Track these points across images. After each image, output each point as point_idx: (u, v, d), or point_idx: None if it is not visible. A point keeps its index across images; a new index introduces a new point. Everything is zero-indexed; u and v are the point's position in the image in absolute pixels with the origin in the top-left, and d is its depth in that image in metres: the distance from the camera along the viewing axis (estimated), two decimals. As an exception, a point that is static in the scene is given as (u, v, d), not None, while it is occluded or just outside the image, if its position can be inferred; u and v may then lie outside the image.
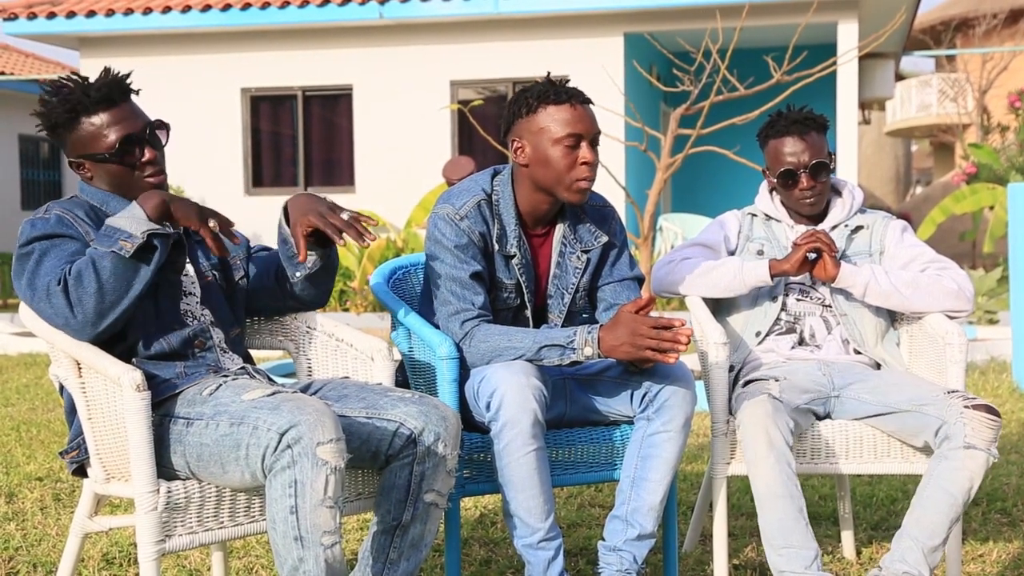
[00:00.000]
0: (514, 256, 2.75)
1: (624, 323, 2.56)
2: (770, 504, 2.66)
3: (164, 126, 2.46)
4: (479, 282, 2.70)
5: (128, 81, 2.42)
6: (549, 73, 2.78)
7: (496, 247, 2.74)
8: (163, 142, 2.46)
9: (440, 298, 2.71)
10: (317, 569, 2.17)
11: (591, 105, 2.71)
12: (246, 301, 2.70)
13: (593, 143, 2.69)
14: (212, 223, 2.34)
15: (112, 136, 2.38)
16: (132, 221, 2.27)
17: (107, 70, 2.42)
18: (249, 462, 2.19)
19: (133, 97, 2.44)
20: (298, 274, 2.60)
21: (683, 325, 2.52)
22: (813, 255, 3.00)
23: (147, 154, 2.42)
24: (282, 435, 2.14)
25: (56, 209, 2.38)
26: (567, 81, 2.74)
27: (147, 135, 2.43)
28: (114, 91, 2.39)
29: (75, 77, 2.41)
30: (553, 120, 2.66)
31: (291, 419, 2.15)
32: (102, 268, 2.23)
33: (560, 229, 2.81)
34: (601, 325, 2.60)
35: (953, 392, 2.73)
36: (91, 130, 2.39)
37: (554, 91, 2.68)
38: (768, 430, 2.66)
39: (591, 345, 2.58)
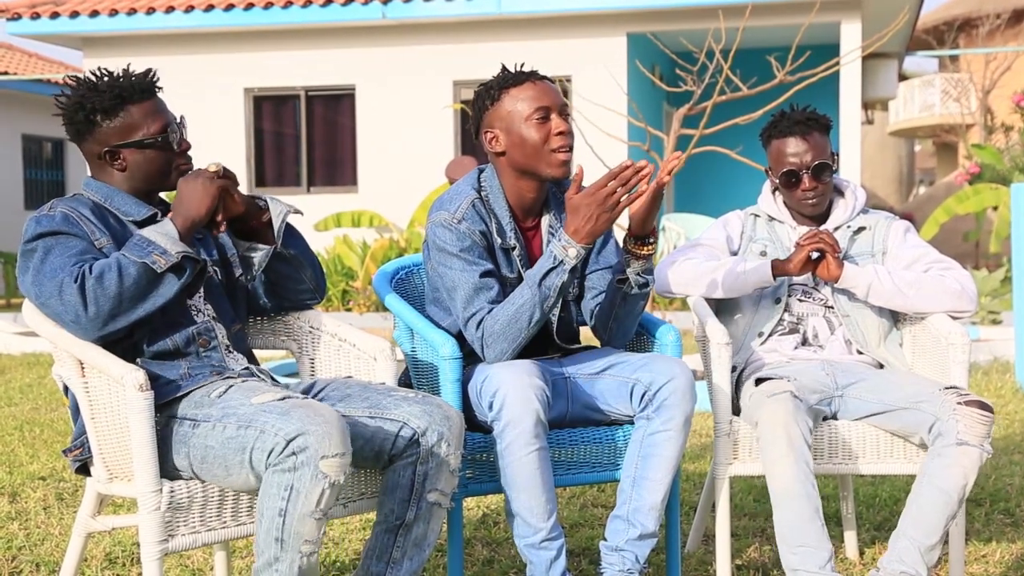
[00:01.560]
0: (514, 247, 2.76)
1: (577, 203, 2.58)
2: (787, 503, 2.65)
3: (184, 123, 2.55)
4: (491, 278, 2.70)
5: (157, 79, 2.51)
6: (503, 65, 2.81)
7: (498, 241, 2.75)
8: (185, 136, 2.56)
9: (455, 307, 2.70)
10: (289, 573, 2.18)
11: (551, 81, 2.77)
12: (248, 300, 2.71)
13: (562, 114, 2.73)
14: (218, 182, 2.42)
15: (157, 123, 2.47)
16: (165, 238, 2.32)
17: (128, 68, 2.52)
18: (253, 465, 2.19)
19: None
20: (255, 263, 2.62)
21: (628, 167, 2.54)
22: (816, 255, 3.00)
23: (184, 143, 2.51)
24: (289, 441, 2.15)
25: (61, 207, 2.39)
26: (565, 79, 2.78)
27: (180, 127, 2.52)
28: (152, 84, 2.49)
29: (105, 70, 2.48)
30: (518, 100, 2.71)
31: (300, 427, 2.15)
32: (127, 275, 2.26)
33: (547, 219, 2.84)
34: (563, 230, 2.61)
35: (948, 388, 2.72)
36: (136, 118, 2.45)
37: (511, 75, 2.74)
38: (788, 429, 2.66)
39: (571, 246, 2.59)
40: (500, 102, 2.73)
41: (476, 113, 2.79)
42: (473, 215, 2.72)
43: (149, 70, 2.50)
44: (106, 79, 2.45)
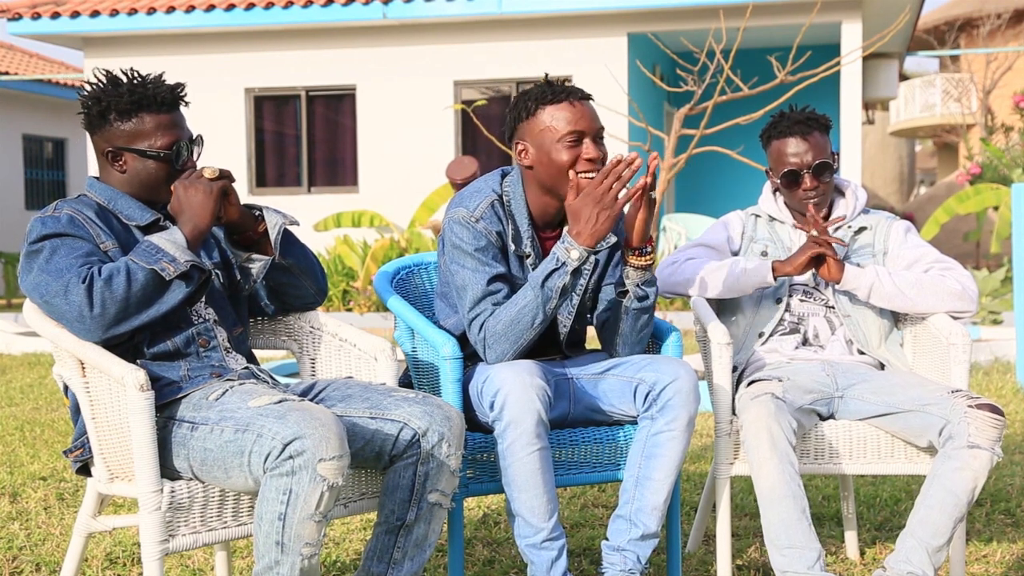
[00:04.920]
0: (528, 256, 2.76)
1: (578, 207, 2.58)
2: (773, 505, 2.65)
3: (201, 142, 2.54)
4: (501, 282, 2.70)
5: (184, 93, 2.51)
6: (547, 75, 2.78)
7: (512, 247, 2.74)
8: (198, 156, 2.54)
9: (462, 306, 2.70)
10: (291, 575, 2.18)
11: (591, 102, 2.71)
12: (249, 302, 2.71)
13: (596, 139, 2.68)
14: (218, 184, 2.44)
15: (166, 137, 2.46)
16: (174, 246, 2.33)
17: (161, 75, 2.52)
18: (252, 468, 2.19)
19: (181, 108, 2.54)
20: (253, 274, 2.62)
21: (619, 161, 2.54)
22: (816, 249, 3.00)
23: (189, 162, 2.50)
24: (286, 445, 2.14)
25: (66, 208, 2.40)
26: (566, 80, 2.75)
27: (191, 146, 2.51)
28: (177, 97, 2.48)
29: (136, 72, 2.48)
30: (553, 119, 2.67)
31: (297, 431, 2.15)
32: (135, 280, 2.27)
33: (567, 229, 2.80)
34: (567, 232, 2.61)
35: (957, 392, 2.72)
36: (147, 126, 2.45)
37: (552, 91, 2.69)
38: (771, 430, 2.66)
39: (573, 248, 2.58)
40: (535, 117, 2.69)
41: (510, 122, 2.75)
42: (491, 215, 2.71)
43: (179, 84, 2.49)
44: (134, 81, 2.45)
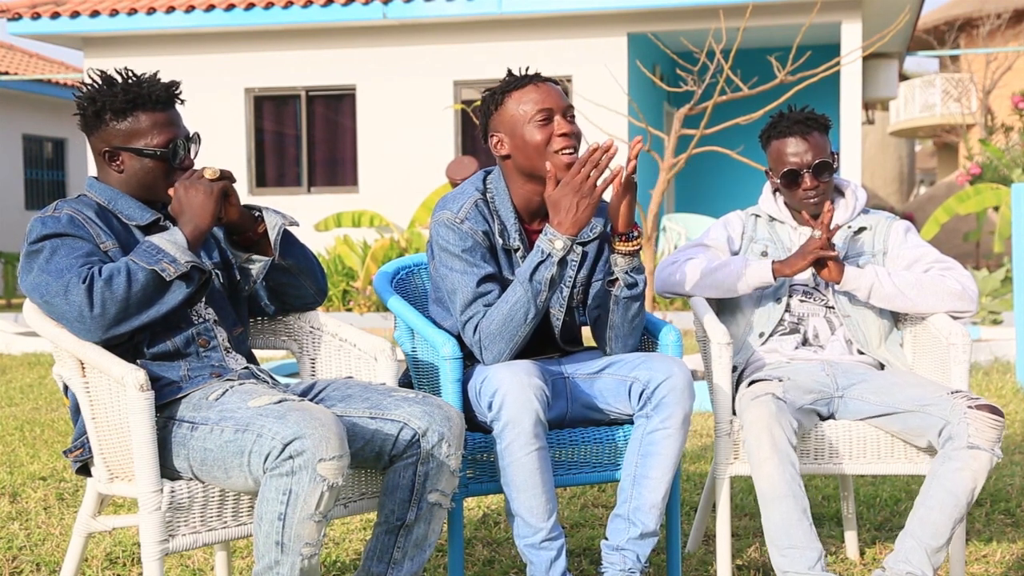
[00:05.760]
0: (518, 249, 2.76)
1: (557, 197, 2.61)
2: (774, 505, 2.65)
3: (198, 139, 2.53)
4: (490, 282, 2.70)
5: (179, 91, 2.50)
6: (509, 70, 2.82)
7: (500, 242, 2.75)
8: (195, 154, 2.54)
9: (454, 308, 2.71)
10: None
11: (556, 84, 2.76)
12: (249, 302, 2.71)
13: (567, 116, 2.71)
14: (218, 184, 2.43)
15: (162, 136, 2.46)
16: (175, 246, 2.33)
17: (156, 74, 2.52)
18: (251, 468, 2.19)
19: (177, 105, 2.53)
20: (253, 274, 2.63)
21: (596, 149, 2.57)
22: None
23: (187, 160, 2.50)
24: (286, 445, 2.14)
25: (66, 208, 2.40)
26: (566, 80, 2.78)
27: (187, 144, 2.51)
28: (172, 95, 2.48)
29: (130, 71, 2.48)
30: (521, 104, 2.71)
31: (297, 431, 2.15)
32: (135, 280, 2.27)
33: None
34: (548, 224, 2.63)
35: (956, 392, 2.72)
36: (143, 125, 2.45)
37: (514, 79, 2.74)
38: (772, 430, 2.66)
39: (556, 238, 2.61)
40: (504, 106, 2.73)
41: (483, 118, 2.79)
42: (476, 215, 2.72)
43: (173, 82, 2.49)
44: (129, 80, 2.45)
